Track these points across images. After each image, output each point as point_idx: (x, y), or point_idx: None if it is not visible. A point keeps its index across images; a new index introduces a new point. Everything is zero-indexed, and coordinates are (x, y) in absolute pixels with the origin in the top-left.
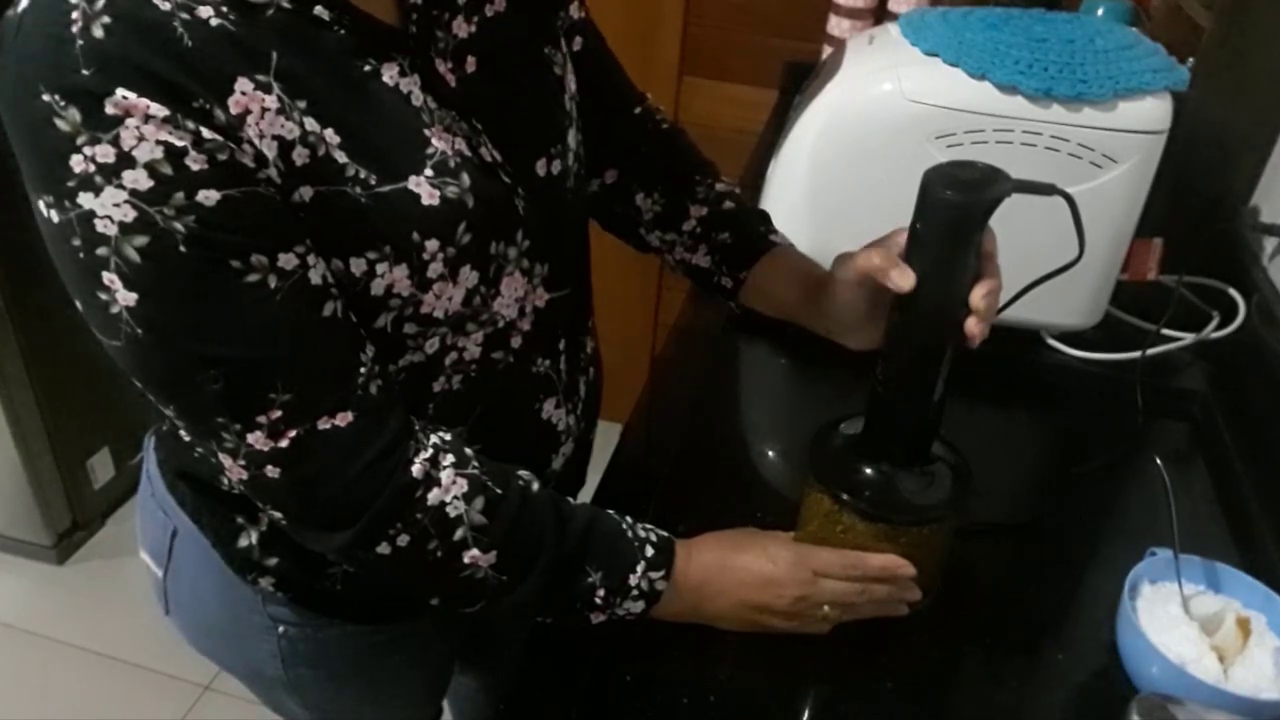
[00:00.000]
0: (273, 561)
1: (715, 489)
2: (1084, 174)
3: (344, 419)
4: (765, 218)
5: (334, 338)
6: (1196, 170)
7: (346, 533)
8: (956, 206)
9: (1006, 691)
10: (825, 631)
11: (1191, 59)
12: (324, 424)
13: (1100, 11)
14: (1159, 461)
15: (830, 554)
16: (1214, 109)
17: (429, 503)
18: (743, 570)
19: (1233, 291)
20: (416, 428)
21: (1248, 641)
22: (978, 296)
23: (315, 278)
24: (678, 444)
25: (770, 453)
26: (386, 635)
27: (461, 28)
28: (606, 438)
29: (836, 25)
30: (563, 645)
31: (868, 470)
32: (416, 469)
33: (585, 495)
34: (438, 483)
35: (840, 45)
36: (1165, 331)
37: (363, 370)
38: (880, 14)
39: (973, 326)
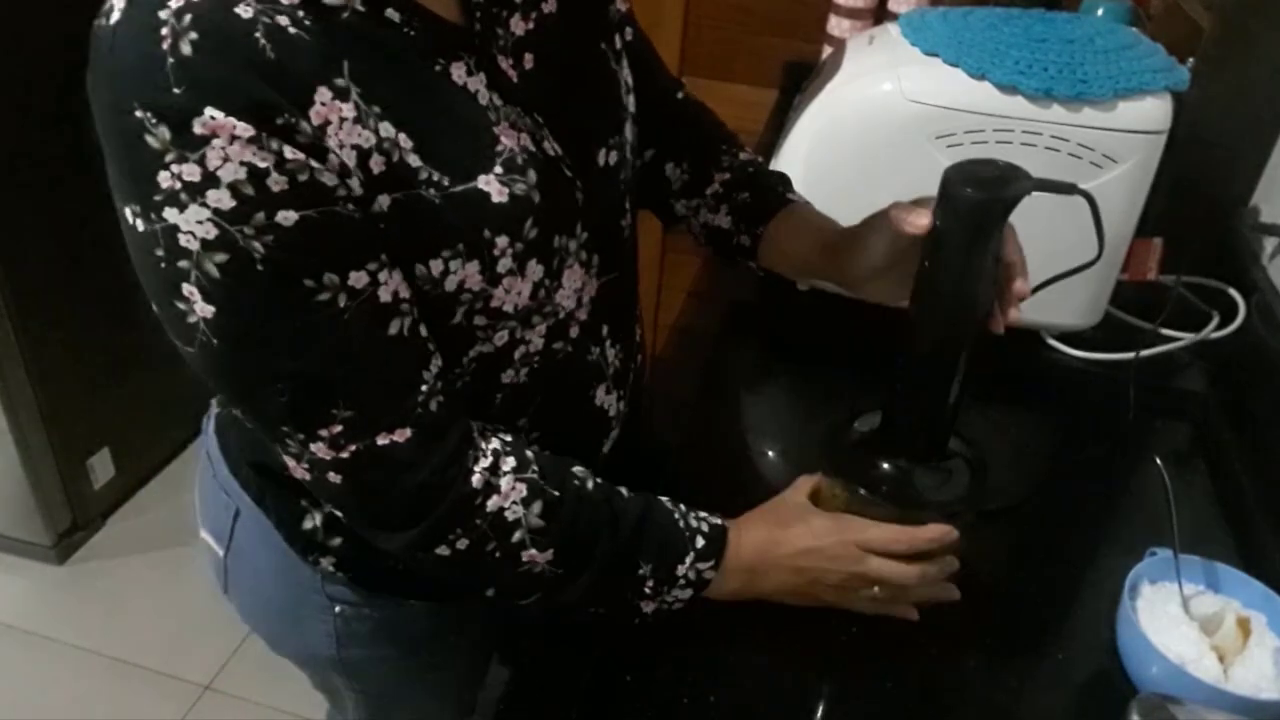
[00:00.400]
0: (336, 542)
1: (715, 489)
2: (1084, 174)
3: (402, 435)
4: (784, 179)
5: (398, 356)
6: (1196, 170)
7: (405, 535)
8: (977, 204)
9: (1006, 691)
10: (870, 611)
11: (1191, 59)
12: (383, 440)
13: (1100, 11)
14: (1159, 461)
15: (877, 529)
16: (1214, 109)
17: (488, 509)
18: (789, 546)
19: (1233, 291)
20: (476, 433)
21: (1248, 641)
22: (1020, 284)
23: (385, 295)
24: (677, 444)
25: (770, 453)
26: (441, 617)
27: (519, 25)
28: None
29: (836, 25)
30: (563, 646)
31: (884, 465)
32: (476, 479)
33: None
34: (497, 490)
35: (840, 45)
36: (1165, 331)
37: (424, 388)
38: (880, 14)
39: (1010, 312)
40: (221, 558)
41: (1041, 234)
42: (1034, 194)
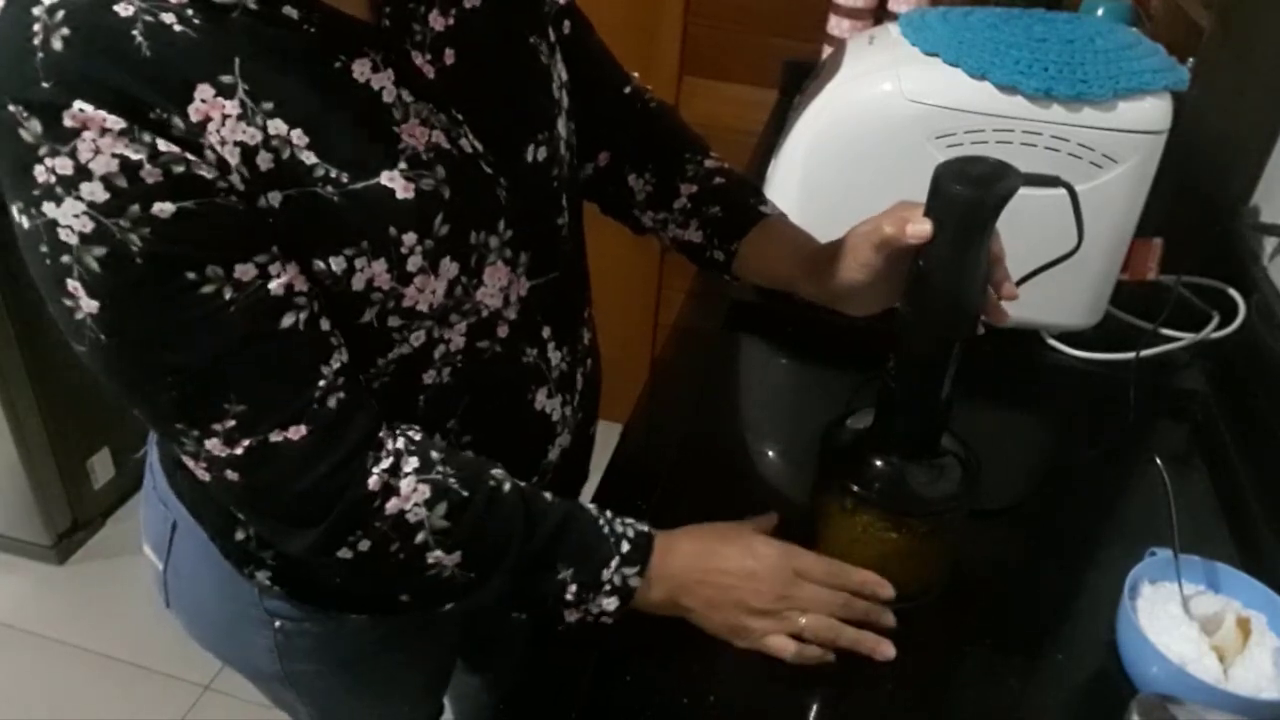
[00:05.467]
0: (270, 554)
1: (715, 489)
2: (1084, 174)
3: (296, 432)
4: (756, 190)
5: (291, 350)
6: (1196, 170)
7: (304, 537)
8: (967, 201)
9: (1006, 691)
10: (789, 653)
11: (1191, 59)
12: (276, 436)
13: (1100, 11)
14: (1159, 461)
15: (814, 558)
16: (1214, 109)
17: (387, 512)
18: (723, 560)
19: (1233, 291)
20: (381, 433)
21: (1248, 641)
22: (1009, 286)
23: (276, 288)
24: (677, 444)
25: (770, 453)
26: (383, 631)
27: (438, 21)
28: (606, 438)
29: (836, 25)
30: (563, 645)
31: (877, 462)
32: (373, 481)
33: (587, 492)
34: (396, 492)
35: (840, 45)
36: (1165, 331)
37: (321, 384)
38: (880, 14)
39: (999, 310)
40: (161, 572)
41: (1034, 233)
42: (1030, 193)
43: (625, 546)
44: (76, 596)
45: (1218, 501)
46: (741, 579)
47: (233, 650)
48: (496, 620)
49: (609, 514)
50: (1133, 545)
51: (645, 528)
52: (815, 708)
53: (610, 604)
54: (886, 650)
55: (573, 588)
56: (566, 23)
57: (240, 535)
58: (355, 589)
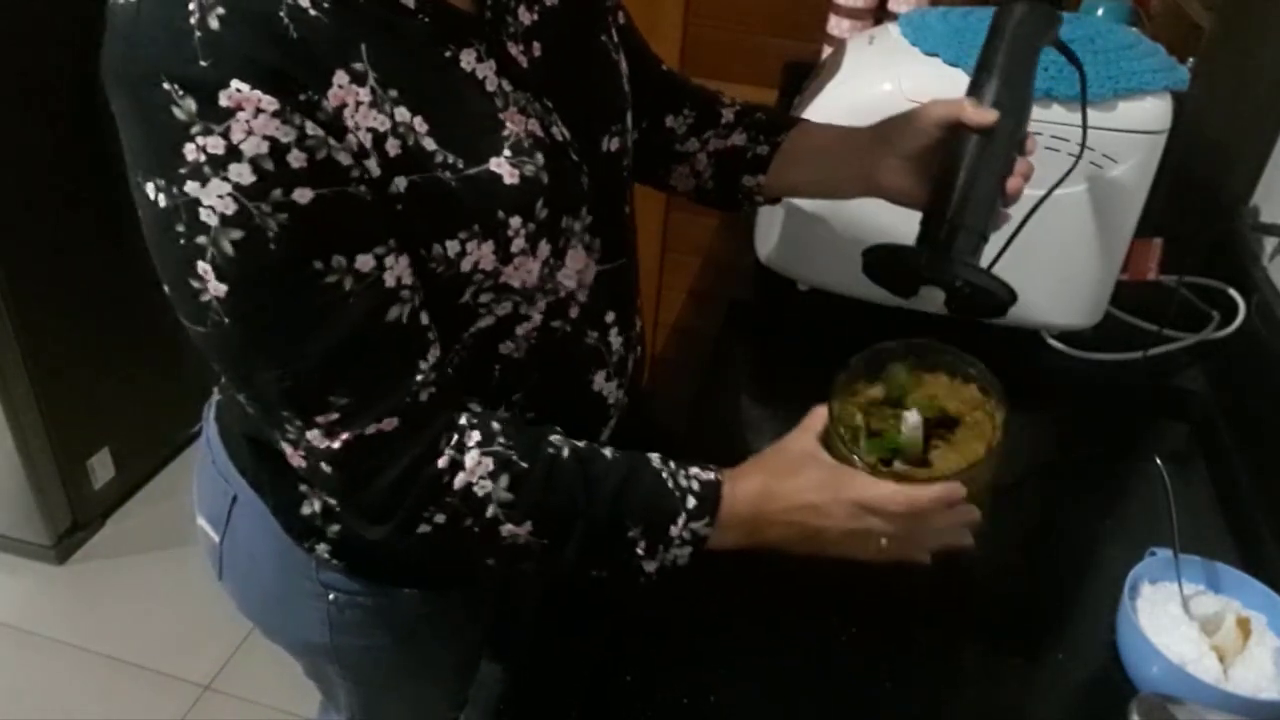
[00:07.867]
0: (334, 529)
1: None
2: (1084, 174)
3: (389, 424)
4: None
5: (395, 343)
6: (1196, 170)
7: (387, 525)
8: (1029, 12)
9: (1006, 691)
10: (883, 559)
11: (1191, 59)
12: (372, 429)
13: (1100, 11)
14: (1159, 461)
15: (874, 488)
16: (1214, 109)
17: (456, 486)
18: (784, 500)
19: (1233, 291)
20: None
21: (1248, 641)
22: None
23: (389, 280)
24: (677, 444)
25: None
26: (433, 606)
27: (525, 15)
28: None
29: (836, 25)
30: (564, 645)
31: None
32: (443, 460)
33: None
34: (462, 466)
35: (840, 45)
36: (1166, 331)
37: (418, 378)
38: (880, 14)
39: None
40: (217, 544)
41: (1041, 234)
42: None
43: (691, 501)
44: (76, 596)
45: (1218, 501)
46: (806, 516)
47: (282, 622)
48: (523, 598)
49: (673, 465)
50: (1133, 545)
51: (712, 476)
52: (815, 707)
53: (683, 554)
54: (967, 542)
55: (643, 544)
56: (620, 14)
57: (306, 510)
58: (440, 567)
